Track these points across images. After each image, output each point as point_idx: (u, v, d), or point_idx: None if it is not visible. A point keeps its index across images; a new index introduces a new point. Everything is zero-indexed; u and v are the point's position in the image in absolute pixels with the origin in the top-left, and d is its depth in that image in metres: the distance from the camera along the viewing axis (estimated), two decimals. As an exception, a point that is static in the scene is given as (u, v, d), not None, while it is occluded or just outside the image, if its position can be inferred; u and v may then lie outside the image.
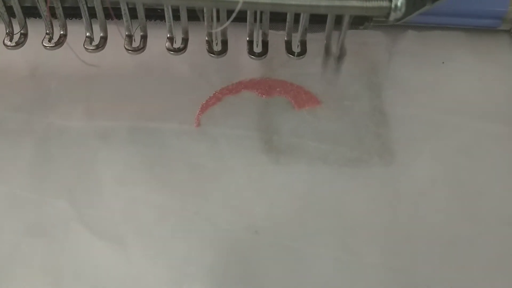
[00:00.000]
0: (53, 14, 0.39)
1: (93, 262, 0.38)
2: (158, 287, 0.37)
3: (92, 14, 0.39)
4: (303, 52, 0.40)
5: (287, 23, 0.40)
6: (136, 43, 0.40)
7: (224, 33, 0.40)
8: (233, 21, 0.34)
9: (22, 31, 0.40)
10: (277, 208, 0.40)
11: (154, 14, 0.44)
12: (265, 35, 0.40)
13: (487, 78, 0.47)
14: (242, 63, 0.46)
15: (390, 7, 0.30)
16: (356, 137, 0.43)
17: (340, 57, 0.42)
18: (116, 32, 0.40)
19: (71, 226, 0.39)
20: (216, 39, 0.40)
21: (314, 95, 0.45)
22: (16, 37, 0.40)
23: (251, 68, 0.46)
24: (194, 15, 0.39)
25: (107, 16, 0.39)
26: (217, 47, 0.40)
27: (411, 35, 0.49)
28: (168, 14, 0.39)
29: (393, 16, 0.30)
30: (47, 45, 0.40)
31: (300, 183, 0.41)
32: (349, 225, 0.39)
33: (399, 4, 0.30)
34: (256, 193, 0.40)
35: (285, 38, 0.41)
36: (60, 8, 0.39)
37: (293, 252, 0.38)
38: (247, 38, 0.40)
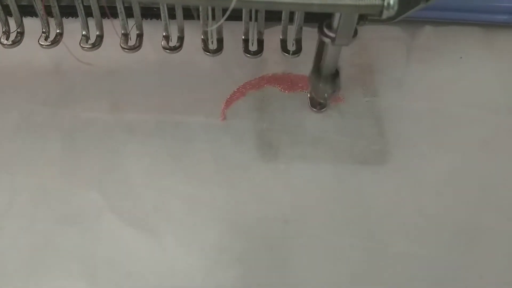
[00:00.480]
0: (50, 13, 0.40)
1: (126, 250, 0.39)
2: (191, 274, 0.38)
3: (88, 13, 0.40)
4: (298, 50, 0.41)
5: (282, 22, 0.40)
6: (132, 42, 0.41)
7: (219, 31, 0.40)
8: (233, 19, 0.34)
9: (18, 30, 0.40)
10: (305, 198, 0.41)
11: (150, 13, 0.44)
12: (260, 33, 0.40)
13: (502, 72, 0.48)
14: (264, 58, 0.46)
15: (383, 5, 0.30)
16: (378, 131, 0.44)
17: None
18: (114, 30, 0.40)
19: (103, 216, 0.40)
20: (212, 37, 0.40)
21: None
22: (12, 36, 0.41)
23: (273, 62, 0.47)
24: (190, 14, 0.39)
25: (103, 15, 0.39)
26: (212, 46, 0.40)
27: (428, 30, 0.50)
28: (164, 12, 0.39)
29: (385, 14, 0.30)
30: (43, 44, 0.40)
31: (325, 175, 0.42)
32: (374, 215, 0.40)
33: (391, 2, 0.30)
34: (283, 184, 0.41)
35: (280, 37, 0.41)
36: (56, 7, 0.39)
37: (321, 242, 0.39)
38: (243, 37, 0.41)
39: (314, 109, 0.45)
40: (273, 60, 0.47)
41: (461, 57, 0.48)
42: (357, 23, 0.43)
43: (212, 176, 0.42)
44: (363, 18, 0.43)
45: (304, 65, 0.46)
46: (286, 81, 0.46)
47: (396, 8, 0.30)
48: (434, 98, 0.46)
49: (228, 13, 0.30)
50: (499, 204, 0.40)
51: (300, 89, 0.46)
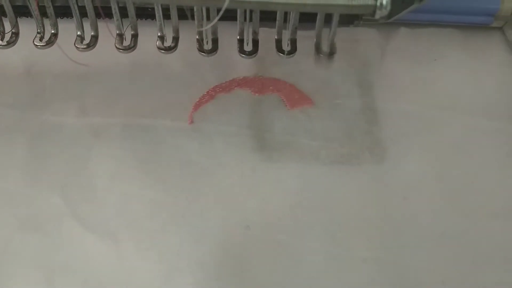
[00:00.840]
0: (44, 13, 0.40)
1: (86, 256, 0.38)
2: (149, 281, 0.37)
3: (83, 13, 0.40)
4: (293, 50, 0.41)
5: (277, 22, 0.40)
6: (127, 42, 0.41)
7: (214, 31, 0.40)
8: (225, 20, 0.34)
9: (13, 30, 0.41)
10: (269, 203, 0.40)
11: (145, 13, 0.44)
12: (255, 33, 0.40)
13: (479, 74, 0.47)
14: (235, 61, 0.46)
15: (376, 6, 0.30)
16: (347, 134, 0.43)
17: (331, 54, 0.43)
18: (109, 31, 0.40)
19: (64, 221, 0.39)
20: (207, 37, 0.40)
21: (306, 94, 0.45)
22: (7, 36, 0.41)
23: (244, 66, 0.46)
24: (184, 14, 0.39)
25: (98, 15, 0.39)
26: (207, 46, 0.40)
27: (403, 32, 0.49)
28: (159, 13, 0.39)
29: (378, 14, 0.30)
30: (38, 44, 0.40)
31: (292, 180, 0.41)
32: (340, 220, 0.39)
33: (384, 2, 0.30)
34: (248, 189, 0.41)
35: (275, 37, 0.41)
36: (51, 7, 0.39)
37: (284, 247, 0.38)
38: (238, 37, 0.41)
39: (321, 62, 0.44)
40: (244, 63, 0.46)
41: (435, 60, 0.47)
42: (352, 23, 0.43)
43: (177, 181, 0.41)
44: (358, 18, 0.43)
45: (275, 68, 0.46)
46: (257, 84, 0.46)
47: (389, 8, 0.30)
48: (407, 100, 0.45)
49: (221, 13, 0.30)
50: (465, 209, 0.40)
51: (270, 92, 0.45)
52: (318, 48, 0.41)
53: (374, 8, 0.30)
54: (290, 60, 0.43)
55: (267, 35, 0.42)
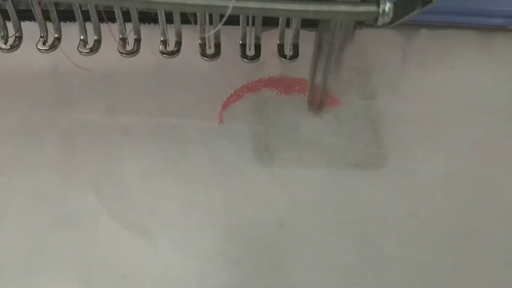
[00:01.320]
0: (48, 17, 0.40)
1: (122, 253, 0.39)
2: (186, 277, 0.38)
3: (86, 17, 0.40)
4: (295, 55, 0.41)
5: (279, 27, 0.40)
6: (130, 46, 0.41)
7: (217, 36, 0.40)
8: (229, 24, 0.34)
9: (17, 34, 0.41)
10: (300, 201, 0.41)
11: (148, 18, 0.44)
12: (257, 38, 0.41)
13: (498, 76, 0.48)
14: (261, 61, 0.46)
15: (378, 12, 0.30)
16: (373, 134, 0.44)
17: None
18: (112, 35, 0.41)
19: (99, 219, 0.40)
20: (209, 42, 0.40)
21: (332, 94, 0.46)
22: (11, 40, 0.41)
23: (270, 66, 0.47)
24: (187, 19, 0.39)
25: (101, 19, 0.40)
26: (210, 50, 0.41)
27: (424, 33, 0.50)
28: (162, 17, 0.39)
29: (381, 21, 0.30)
30: (41, 48, 0.40)
31: (320, 178, 0.42)
32: (369, 218, 0.40)
33: (386, 9, 0.30)
34: (278, 187, 0.41)
35: (278, 42, 0.41)
36: (54, 12, 0.39)
37: (315, 244, 0.39)
38: (240, 42, 0.41)
39: (311, 112, 0.45)
40: (271, 63, 0.47)
41: (453, 63, 0.48)
42: (354, 28, 0.43)
43: (208, 179, 0.42)
44: (360, 23, 0.43)
45: (301, 68, 0.46)
46: (283, 84, 0.47)
47: (391, 15, 0.30)
48: (430, 101, 0.46)
49: (224, 19, 0.30)
50: (493, 208, 0.40)
51: (296, 92, 0.46)
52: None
53: (376, 15, 0.30)
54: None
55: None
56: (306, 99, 0.45)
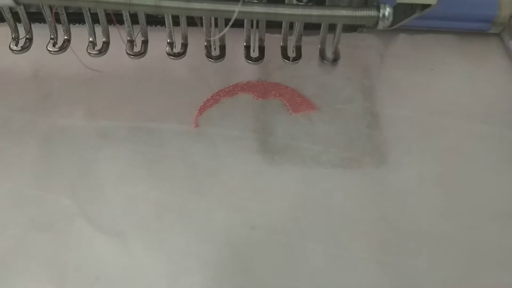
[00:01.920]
0: (57, 20, 0.41)
1: (96, 255, 0.39)
2: (157, 279, 0.38)
3: (95, 20, 0.41)
4: (298, 57, 0.42)
5: (282, 29, 0.41)
6: (137, 48, 0.42)
7: (222, 38, 0.41)
8: (232, 27, 0.35)
9: (27, 36, 0.42)
10: (272, 205, 0.41)
11: (155, 20, 0.45)
12: (261, 40, 0.42)
13: (477, 80, 0.48)
14: (239, 66, 0.47)
15: (378, 16, 0.31)
16: (348, 138, 0.44)
17: (335, 60, 0.44)
18: (118, 37, 0.42)
19: (74, 221, 0.41)
20: (214, 44, 0.42)
21: (308, 98, 0.46)
22: (21, 42, 0.42)
23: (247, 71, 0.48)
24: (193, 21, 0.41)
25: (109, 21, 0.41)
26: (215, 52, 0.42)
27: (403, 38, 0.51)
28: (168, 20, 0.40)
29: (381, 25, 0.31)
30: (51, 50, 0.42)
31: (293, 182, 0.42)
32: (340, 221, 0.41)
33: (386, 13, 0.31)
34: (251, 190, 0.42)
35: (281, 44, 0.42)
36: (64, 14, 0.41)
37: (287, 247, 0.40)
38: (244, 44, 0.42)
39: (326, 62, 0.45)
40: (248, 68, 0.47)
41: (433, 65, 0.49)
42: (355, 30, 0.45)
43: (183, 182, 0.42)
44: (361, 25, 0.44)
45: (278, 73, 0.47)
46: (260, 89, 0.47)
47: (391, 19, 0.31)
48: (406, 105, 0.46)
49: (230, 23, 0.31)
50: (463, 212, 0.41)
51: (273, 96, 0.47)
52: (322, 55, 0.42)
53: (377, 19, 0.31)
54: (292, 65, 0.44)
55: (269, 41, 0.43)
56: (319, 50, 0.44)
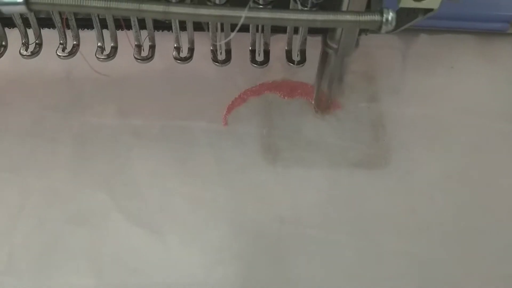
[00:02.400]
0: (67, 25, 0.42)
1: (132, 248, 0.41)
2: (193, 271, 0.40)
3: (103, 25, 0.42)
4: (302, 60, 0.43)
5: (287, 34, 0.42)
6: (144, 53, 0.43)
7: (228, 43, 0.42)
8: (239, 31, 0.36)
9: (37, 41, 0.43)
10: (300, 200, 0.43)
11: (162, 25, 0.46)
12: (266, 44, 0.42)
13: (496, 79, 0.50)
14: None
15: (382, 21, 0.32)
16: (373, 135, 0.46)
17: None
18: (129, 42, 0.42)
19: (110, 216, 0.42)
20: (220, 48, 0.42)
21: (334, 97, 0.47)
22: (31, 47, 0.43)
23: (273, 70, 0.49)
24: (200, 26, 0.41)
25: (118, 27, 0.41)
26: (221, 56, 0.42)
27: (423, 38, 0.52)
28: (175, 25, 0.41)
29: (384, 29, 0.32)
30: (61, 55, 0.42)
31: (321, 178, 0.44)
32: (368, 215, 0.42)
33: (390, 18, 0.32)
34: (280, 186, 0.44)
35: (286, 48, 0.43)
36: (73, 19, 0.41)
37: (316, 240, 0.41)
38: (249, 48, 0.43)
39: (318, 114, 0.47)
40: (274, 68, 0.49)
41: (452, 67, 0.50)
42: (358, 34, 0.45)
43: (214, 178, 0.44)
44: (364, 30, 0.45)
45: (303, 72, 0.48)
46: (286, 88, 0.48)
47: (394, 23, 0.32)
48: (428, 104, 0.48)
49: (237, 29, 0.32)
50: (488, 207, 0.42)
51: (299, 95, 0.48)
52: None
53: (380, 24, 0.32)
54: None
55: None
56: (313, 102, 0.47)
